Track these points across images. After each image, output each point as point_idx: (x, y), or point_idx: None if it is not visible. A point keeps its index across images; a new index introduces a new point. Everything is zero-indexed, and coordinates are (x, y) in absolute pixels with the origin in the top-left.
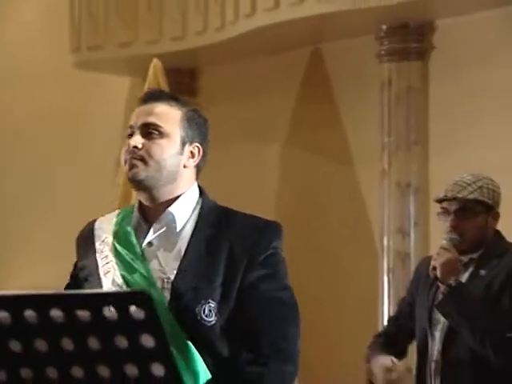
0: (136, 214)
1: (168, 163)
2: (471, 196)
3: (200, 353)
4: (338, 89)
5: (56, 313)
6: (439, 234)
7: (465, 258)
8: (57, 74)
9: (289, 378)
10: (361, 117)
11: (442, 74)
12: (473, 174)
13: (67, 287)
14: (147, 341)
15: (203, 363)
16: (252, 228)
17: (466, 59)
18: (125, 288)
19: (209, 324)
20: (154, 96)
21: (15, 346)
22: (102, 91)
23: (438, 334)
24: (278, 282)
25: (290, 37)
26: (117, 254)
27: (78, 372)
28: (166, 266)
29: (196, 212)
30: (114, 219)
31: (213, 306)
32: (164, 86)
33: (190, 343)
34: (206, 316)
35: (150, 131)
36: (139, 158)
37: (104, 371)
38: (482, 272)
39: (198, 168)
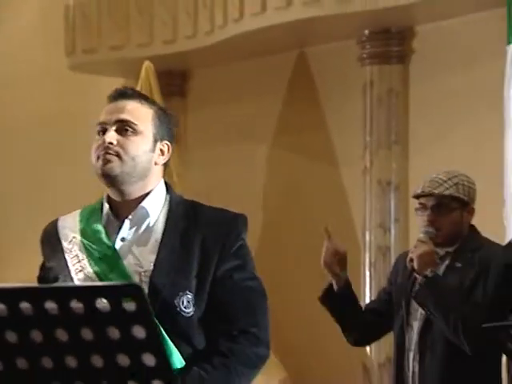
0: (106, 210)
1: (142, 159)
2: (447, 192)
3: (178, 344)
4: (323, 91)
5: (50, 305)
6: (418, 230)
7: (441, 252)
8: (53, 76)
9: (261, 360)
10: (344, 118)
11: (422, 76)
12: (449, 172)
13: None
14: (138, 332)
15: (178, 354)
16: (222, 221)
17: (444, 63)
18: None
19: (187, 315)
20: (124, 94)
21: (11, 336)
22: (97, 92)
23: (415, 324)
24: (249, 272)
25: (277, 41)
26: (88, 252)
27: (71, 362)
28: (142, 259)
29: (166, 206)
30: (78, 217)
31: (190, 297)
32: (156, 88)
33: (165, 334)
34: (185, 307)
35: (124, 128)
36: (115, 153)
37: (97, 361)
38: (458, 265)
39: (165, 165)
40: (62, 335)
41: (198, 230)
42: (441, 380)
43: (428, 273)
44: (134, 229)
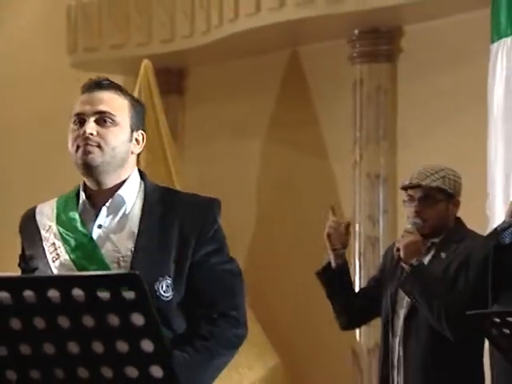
0: (83, 198)
1: (121, 150)
2: (434, 184)
3: None
4: (314, 88)
5: (53, 293)
6: (406, 221)
7: (427, 242)
8: (54, 76)
9: (240, 339)
10: (335, 114)
11: (410, 75)
12: (436, 165)
13: None
14: (137, 319)
15: None
16: (198, 206)
17: (431, 61)
18: (76, 272)
19: (166, 299)
20: (100, 85)
21: (15, 323)
22: None
23: (401, 312)
24: (225, 255)
25: (270, 40)
26: (64, 240)
27: (73, 347)
28: (120, 246)
29: (141, 193)
30: (55, 205)
31: (169, 281)
32: (154, 85)
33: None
34: (164, 292)
35: (103, 119)
36: (96, 144)
37: (97, 347)
38: (443, 255)
39: (139, 154)
40: (63, 322)
41: (174, 214)
42: (424, 364)
43: (414, 262)
44: (111, 216)
